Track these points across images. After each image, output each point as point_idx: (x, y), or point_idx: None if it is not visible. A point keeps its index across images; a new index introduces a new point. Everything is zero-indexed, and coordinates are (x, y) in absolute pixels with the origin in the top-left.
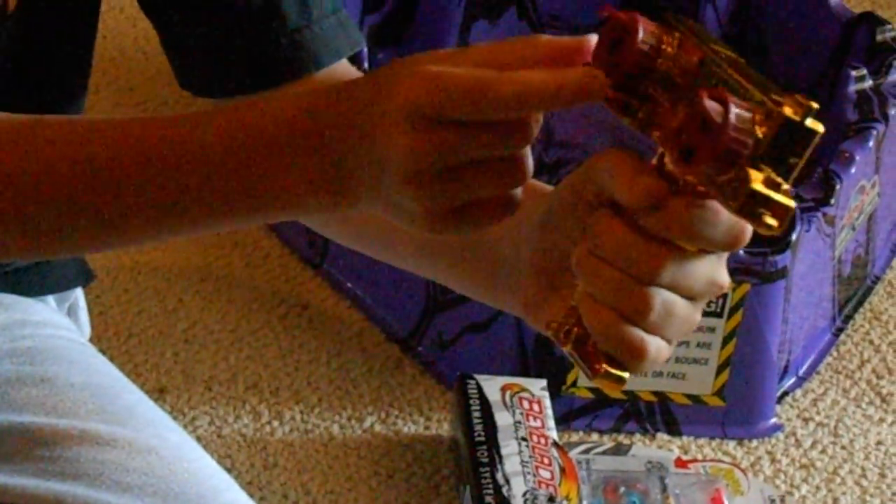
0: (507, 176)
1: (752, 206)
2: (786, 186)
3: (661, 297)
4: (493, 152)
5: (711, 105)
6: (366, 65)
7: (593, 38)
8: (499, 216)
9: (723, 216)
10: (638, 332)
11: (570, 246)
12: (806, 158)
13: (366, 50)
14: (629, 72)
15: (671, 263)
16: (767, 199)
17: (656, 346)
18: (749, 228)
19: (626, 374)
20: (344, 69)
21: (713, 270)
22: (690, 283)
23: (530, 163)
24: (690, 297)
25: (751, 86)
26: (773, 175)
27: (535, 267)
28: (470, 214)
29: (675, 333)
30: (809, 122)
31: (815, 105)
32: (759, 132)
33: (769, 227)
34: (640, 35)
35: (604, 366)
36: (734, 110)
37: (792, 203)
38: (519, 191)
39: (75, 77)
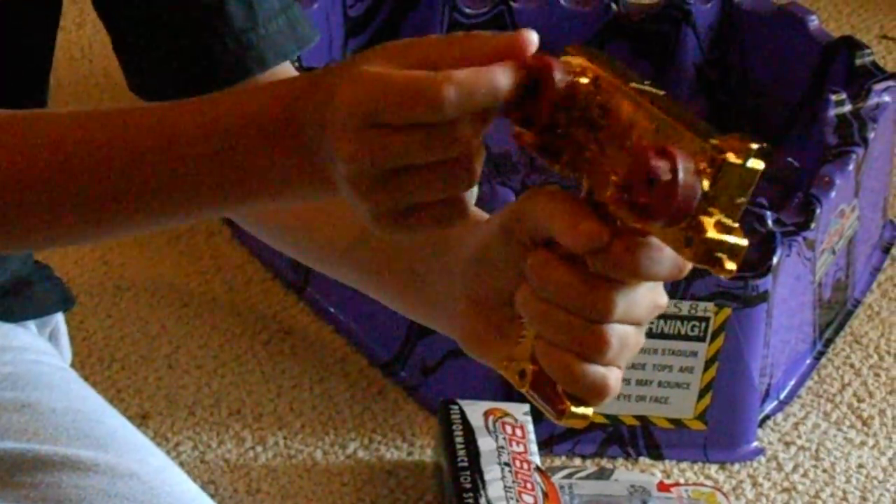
0: (450, 180)
1: (709, 253)
2: (736, 226)
3: (616, 333)
4: (431, 157)
5: (659, 164)
6: None
7: (528, 33)
8: (447, 221)
9: (666, 252)
10: (599, 370)
11: (505, 282)
12: (750, 196)
13: None
14: (549, 115)
15: (620, 299)
16: (723, 244)
17: (615, 378)
18: None
19: (590, 411)
20: (285, 70)
21: (655, 295)
22: (637, 312)
23: (477, 167)
24: (637, 324)
25: (684, 128)
26: (723, 217)
27: (470, 302)
28: (417, 217)
29: (627, 360)
30: (752, 163)
31: (755, 145)
32: (705, 179)
33: (728, 271)
34: (557, 76)
35: (568, 405)
36: (682, 166)
37: (745, 242)
38: (472, 194)
39: (34, 79)
